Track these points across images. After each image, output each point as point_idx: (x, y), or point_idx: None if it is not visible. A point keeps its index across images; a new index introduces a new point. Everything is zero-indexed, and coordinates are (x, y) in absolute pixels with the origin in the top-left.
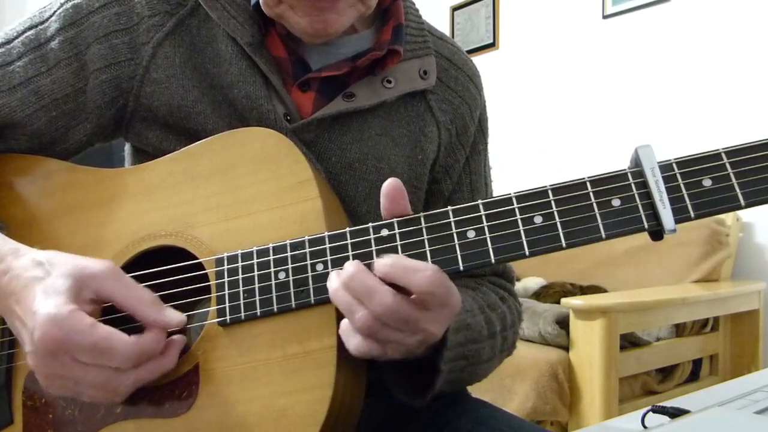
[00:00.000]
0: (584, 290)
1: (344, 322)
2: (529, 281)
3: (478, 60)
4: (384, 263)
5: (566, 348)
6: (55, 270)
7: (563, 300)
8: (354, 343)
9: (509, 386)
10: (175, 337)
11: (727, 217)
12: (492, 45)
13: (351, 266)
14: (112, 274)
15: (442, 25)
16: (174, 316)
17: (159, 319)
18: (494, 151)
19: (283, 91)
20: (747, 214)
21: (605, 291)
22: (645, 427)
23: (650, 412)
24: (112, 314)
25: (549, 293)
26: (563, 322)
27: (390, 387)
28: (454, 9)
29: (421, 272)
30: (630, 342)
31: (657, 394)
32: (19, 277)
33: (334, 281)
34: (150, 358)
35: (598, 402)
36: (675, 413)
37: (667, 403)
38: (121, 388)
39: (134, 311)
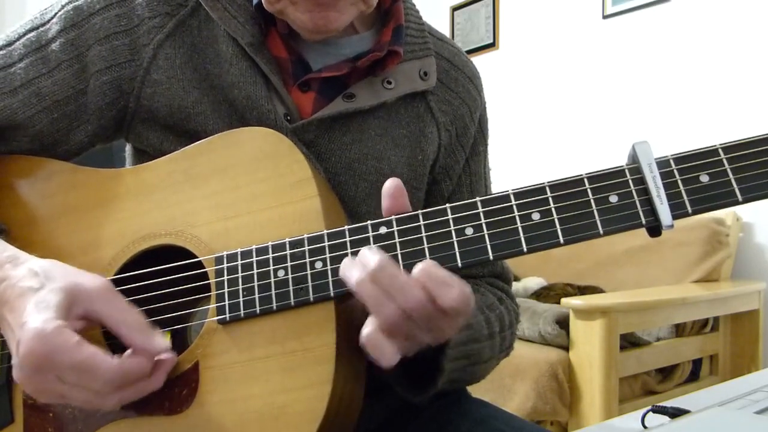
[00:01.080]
0: (582, 291)
1: (371, 331)
2: (529, 281)
3: (478, 60)
4: (419, 270)
5: (566, 348)
6: (49, 283)
7: (563, 300)
8: (389, 351)
9: (509, 386)
10: (164, 357)
11: (727, 217)
12: (492, 45)
13: (375, 255)
14: (105, 293)
15: (442, 25)
16: (159, 343)
17: (145, 346)
18: (494, 150)
19: (283, 92)
20: (747, 214)
21: (603, 291)
22: (645, 427)
23: (650, 412)
24: None
25: (549, 295)
26: (563, 322)
27: (391, 384)
28: (454, 9)
29: (451, 288)
30: (630, 342)
31: (657, 394)
32: (15, 287)
33: (358, 272)
34: (134, 381)
35: (598, 402)
36: (675, 413)
37: (667, 403)
38: (105, 407)
39: (121, 335)
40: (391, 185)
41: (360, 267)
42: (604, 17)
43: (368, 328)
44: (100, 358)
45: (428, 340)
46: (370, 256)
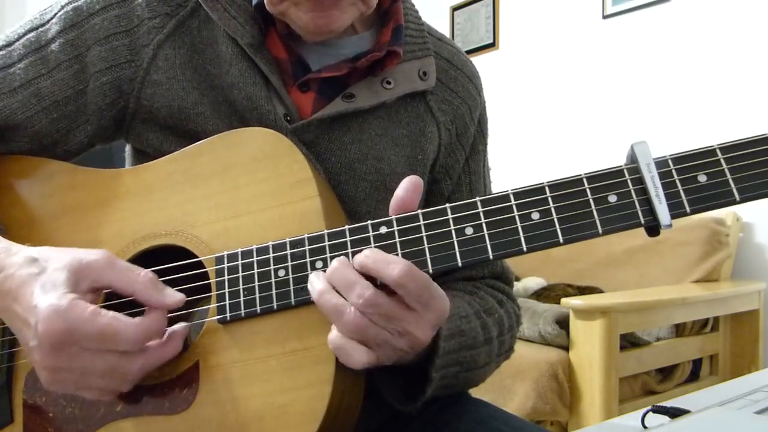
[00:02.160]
0: (582, 291)
1: (334, 336)
2: (529, 281)
3: (478, 60)
4: (361, 255)
5: (566, 348)
6: (50, 264)
7: (563, 300)
8: (357, 354)
9: (509, 386)
10: (176, 326)
11: (727, 217)
12: (492, 45)
13: (335, 261)
14: (108, 261)
15: (442, 25)
16: (173, 295)
17: (160, 299)
18: (494, 150)
19: (283, 92)
20: (747, 214)
21: (602, 292)
22: (645, 427)
23: (650, 412)
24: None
25: (549, 296)
26: (563, 322)
27: (382, 392)
28: (454, 9)
29: (393, 264)
30: (630, 342)
31: (657, 394)
32: (14, 276)
33: (318, 283)
34: (155, 336)
35: (598, 402)
36: (675, 413)
37: (667, 403)
38: (129, 375)
39: (134, 293)
40: (411, 182)
41: (322, 280)
42: (604, 17)
43: (332, 333)
44: (122, 320)
45: (402, 345)
46: (332, 262)
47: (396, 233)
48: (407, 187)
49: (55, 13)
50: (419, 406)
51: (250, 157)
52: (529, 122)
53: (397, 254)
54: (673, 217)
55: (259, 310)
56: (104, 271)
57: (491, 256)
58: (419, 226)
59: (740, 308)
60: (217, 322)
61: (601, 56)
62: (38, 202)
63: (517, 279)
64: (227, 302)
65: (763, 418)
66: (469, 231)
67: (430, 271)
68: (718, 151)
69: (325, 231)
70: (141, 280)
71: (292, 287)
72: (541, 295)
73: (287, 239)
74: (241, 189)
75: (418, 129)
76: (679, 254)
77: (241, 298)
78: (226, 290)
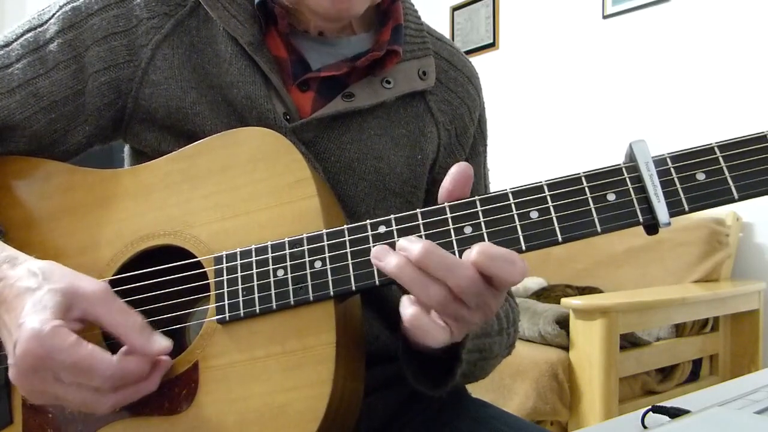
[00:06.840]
0: (581, 291)
1: (418, 313)
2: (529, 281)
3: (478, 60)
4: (476, 253)
5: (566, 348)
6: (47, 283)
7: (563, 300)
8: (437, 331)
9: (509, 386)
10: (161, 359)
11: (727, 217)
12: (492, 45)
13: (418, 243)
14: (104, 296)
15: (442, 25)
16: (161, 343)
17: (146, 347)
18: (493, 150)
19: (283, 91)
20: (747, 214)
21: (602, 292)
22: (645, 427)
23: (650, 412)
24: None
25: (549, 296)
26: (563, 322)
27: (410, 380)
28: (454, 9)
29: (518, 265)
30: (630, 342)
31: (657, 394)
32: (12, 287)
33: (397, 258)
34: (132, 381)
35: (598, 402)
36: (675, 413)
37: (667, 403)
38: (100, 409)
39: (121, 336)
40: (458, 170)
41: (397, 254)
42: (604, 17)
43: (411, 309)
44: (99, 356)
45: (477, 320)
46: (411, 244)
47: (395, 233)
48: (455, 177)
49: (54, 14)
50: (449, 388)
51: (248, 156)
52: (529, 122)
53: None
54: (671, 215)
55: (258, 310)
56: (96, 306)
57: None
58: (418, 225)
59: (740, 308)
60: (216, 323)
61: (601, 56)
62: (36, 202)
63: None
64: (226, 302)
65: (763, 418)
66: (467, 230)
67: None
68: (716, 150)
69: (324, 231)
70: (130, 323)
71: (290, 287)
72: (541, 295)
73: (286, 239)
74: (239, 189)
75: (418, 129)
76: (679, 254)
77: (240, 298)
78: (225, 290)
